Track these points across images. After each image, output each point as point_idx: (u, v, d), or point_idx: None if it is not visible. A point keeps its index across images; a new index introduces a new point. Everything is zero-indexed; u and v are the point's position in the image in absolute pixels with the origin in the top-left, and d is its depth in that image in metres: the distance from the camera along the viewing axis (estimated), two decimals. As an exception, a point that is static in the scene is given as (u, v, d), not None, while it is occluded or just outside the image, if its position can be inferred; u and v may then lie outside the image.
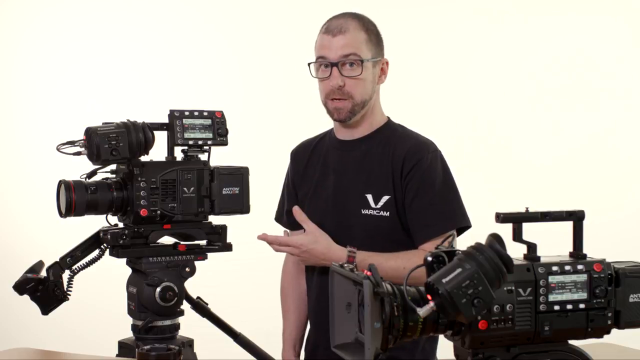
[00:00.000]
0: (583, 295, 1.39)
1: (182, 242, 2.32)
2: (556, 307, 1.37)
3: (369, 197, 2.22)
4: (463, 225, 2.21)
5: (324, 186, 2.32)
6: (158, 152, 2.29)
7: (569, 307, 1.38)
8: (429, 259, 1.32)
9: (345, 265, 1.35)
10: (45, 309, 2.26)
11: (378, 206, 2.21)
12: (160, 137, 2.28)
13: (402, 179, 2.20)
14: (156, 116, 2.30)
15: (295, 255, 2.23)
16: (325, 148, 2.38)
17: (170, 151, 2.33)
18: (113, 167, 2.29)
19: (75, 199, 2.17)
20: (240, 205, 2.33)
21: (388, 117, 2.35)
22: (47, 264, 2.27)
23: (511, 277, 1.29)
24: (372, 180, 2.24)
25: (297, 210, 2.25)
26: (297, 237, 2.21)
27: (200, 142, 2.29)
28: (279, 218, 2.50)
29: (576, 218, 1.44)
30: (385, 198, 2.21)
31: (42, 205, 2.99)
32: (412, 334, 1.31)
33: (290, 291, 2.48)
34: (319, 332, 2.33)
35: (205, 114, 2.30)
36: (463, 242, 1.33)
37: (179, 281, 2.27)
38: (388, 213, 2.20)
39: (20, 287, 2.21)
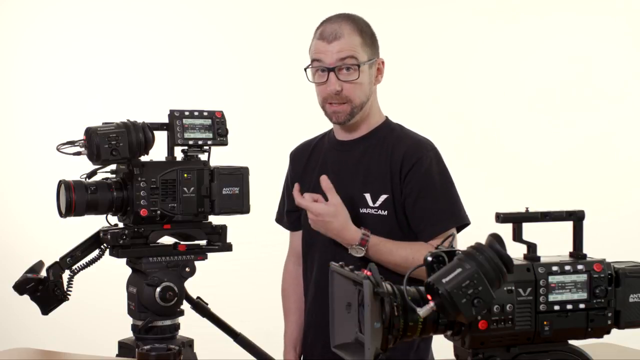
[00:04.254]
0: (583, 295, 1.39)
1: (182, 242, 2.32)
2: (556, 307, 1.37)
3: (367, 196, 2.23)
4: (465, 222, 2.22)
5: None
6: (158, 152, 2.29)
7: (569, 307, 1.38)
8: (429, 259, 1.32)
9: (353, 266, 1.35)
10: (45, 309, 2.26)
11: (376, 205, 2.21)
12: (160, 137, 2.28)
13: (401, 178, 2.20)
14: (156, 116, 2.30)
15: (310, 219, 2.19)
16: (324, 149, 2.38)
17: (170, 151, 2.33)
18: (113, 167, 2.29)
19: (75, 199, 2.17)
20: (240, 205, 2.33)
21: (386, 117, 2.35)
22: (47, 264, 2.27)
23: (511, 277, 1.29)
24: (370, 179, 2.24)
25: (324, 179, 2.17)
26: (318, 205, 2.15)
27: (200, 142, 2.29)
28: (279, 219, 2.50)
29: (576, 218, 1.44)
30: (383, 197, 2.21)
31: (42, 205, 2.99)
32: (412, 334, 1.31)
33: (291, 292, 2.48)
34: (316, 332, 2.33)
35: (205, 114, 2.30)
36: (463, 242, 1.33)
37: (179, 281, 2.27)
38: (386, 212, 2.20)
39: (20, 287, 2.21)
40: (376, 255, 2.14)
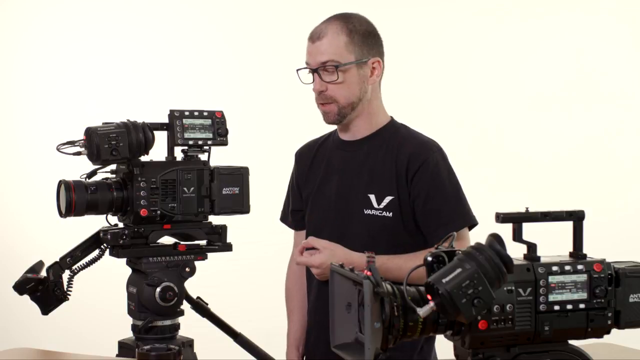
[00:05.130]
0: (583, 295, 1.39)
1: (182, 242, 2.32)
2: (556, 307, 1.38)
3: (372, 197, 2.23)
4: (474, 222, 2.21)
5: (328, 186, 2.32)
6: (158, 152, 2.29)
7: (569, 307, 1.38)
8: (429, 259, 1.32)
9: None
10: (45, 309, 2.26)
11: (381, 206, 2.21)
12: (160, 137, 2.28)
13: (407, 180, 2.20)
14: (156, 116, 2.30)
15: (316, 274, 2.20)
16: (329, 149, 2.39)
17: (170, 151, 2.33)
18: (113, 167, 2.29)
19: (75, 199, 2.17)
20: (240, 205, 2.33)
21: (391, 117, 2.35)
22: (47, 264, 2.27)
23: (511, 277, 1.29)
24: (375, 180, 2.24)
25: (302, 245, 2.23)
26: (315, 257, 2.16)
27: (200, 142, 2.29)
28: (284, 218, 2.50)
29: (576, 218, 1.44)
30: (388, 198, 2.21)
31: (42, 205, 2.99)
32: (412, 334, 1.31)
33: (294, 292, 2.48)
34: (318, 332, 2.33)
35: (205, 114, 2.30)
36: (463, 242, 1.33)
37: (179, 281, 2.27)
38: (391, 214, 2.20)
39: (20, 287, 2.22)
40: (386, 274, 2.09)
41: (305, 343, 2.43)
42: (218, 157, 2.37)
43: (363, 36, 2.25)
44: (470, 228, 2.22)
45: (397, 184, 2.20)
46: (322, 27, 2.24)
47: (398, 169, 2.21)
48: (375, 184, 2.23)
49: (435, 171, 2.20)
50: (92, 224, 2.30)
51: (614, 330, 1.43)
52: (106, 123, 2.20)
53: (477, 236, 1.32)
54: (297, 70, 2.28)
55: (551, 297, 1.37)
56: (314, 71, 2.23)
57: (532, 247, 1.41)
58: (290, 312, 2.49)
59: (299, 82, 2.30)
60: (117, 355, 2.33)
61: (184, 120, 2.27)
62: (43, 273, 2.25)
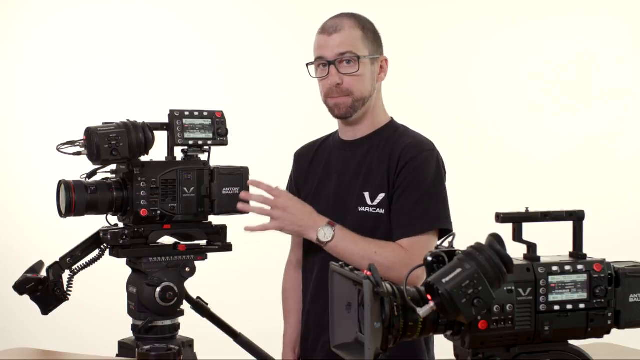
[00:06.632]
0: (583, 295, 1.39)
1: (182, 242, 2.32)
2: (556, 307, 1.38)
3: (366, 194, 2.23)
4: (443, 227, 2.18)
5: (326, 186, 2.33)
6: (158, 152, 2.29)
7: (569, 307, 1.38)
8: (429, 259, 1.32)
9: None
10: (45, 309, 2.26)
11: (374, 203, 2.21)
12: (160, 137, 2.28)
13: (395, 175, 2.20)
14: (156, 116, 2.31)
15: (279, 218, 2.17)
16: (329, 149, 2.39)
17: (170, 151, 2.33)
18: (113, 167, 2.29)
19: (75, 199, 2.17)
20: (240, 205, 2.33)
21: (391, 118, 2.35)
22: (47, 264, 2.27)
23: (511, 277, 1.29)
24: (370, 178, 2.24)
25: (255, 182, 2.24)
26: (281, 200, 2.17)
27: (200, 142, 2.29)
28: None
29: (576, 218, 1.44)
30: (381, 196, 2.21)
31: (42, 205, 2.99)
32: (412, 334, 1.31)
33: (291, 293, 2.48)
34: (316, 332, 2.33)
35: (205, 114, 2.30)
36: (463, 243, 1.33)
37: (179, 281, 2.27)
38: (383, 210, 2.20)
39: (20, 287, 2.22)
40: (342, 242, 2.13)
41: (302, 343, 2.42)
42: (218, 157, 2.37)
43: (373, 34, 2.28)
44: (444, 233, 2.18)
45: (388, 181, 2.21)
46: (336, 21, 2.25)
47: (390, 166, 2.21)
48: (370, 182, 2.24)
49: (418, 168, 2.19)
50: (92, 224, 2.30)
51: (614, 330, 1.43)
52: (106, 123, 2.20)
53: (477, 236, 1.32)
54: (307, 64, 2.28)
55: (551, 297, 1.37)
56: (330, 64, 2.22)
57: (532, 247, 1.41)
58: (287, 313, 2.49)
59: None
60: (117, 355, 2.33)
61: (184, 120, 2.27)
62: (43, 273, 2.25)
